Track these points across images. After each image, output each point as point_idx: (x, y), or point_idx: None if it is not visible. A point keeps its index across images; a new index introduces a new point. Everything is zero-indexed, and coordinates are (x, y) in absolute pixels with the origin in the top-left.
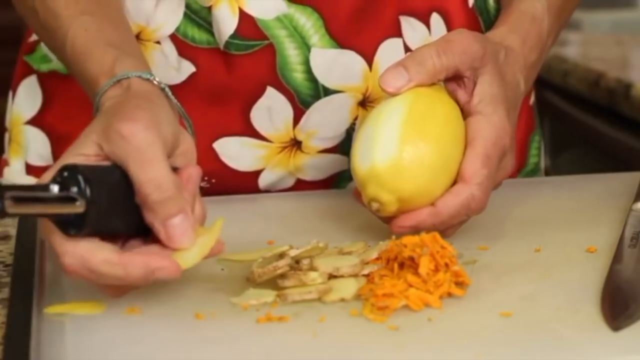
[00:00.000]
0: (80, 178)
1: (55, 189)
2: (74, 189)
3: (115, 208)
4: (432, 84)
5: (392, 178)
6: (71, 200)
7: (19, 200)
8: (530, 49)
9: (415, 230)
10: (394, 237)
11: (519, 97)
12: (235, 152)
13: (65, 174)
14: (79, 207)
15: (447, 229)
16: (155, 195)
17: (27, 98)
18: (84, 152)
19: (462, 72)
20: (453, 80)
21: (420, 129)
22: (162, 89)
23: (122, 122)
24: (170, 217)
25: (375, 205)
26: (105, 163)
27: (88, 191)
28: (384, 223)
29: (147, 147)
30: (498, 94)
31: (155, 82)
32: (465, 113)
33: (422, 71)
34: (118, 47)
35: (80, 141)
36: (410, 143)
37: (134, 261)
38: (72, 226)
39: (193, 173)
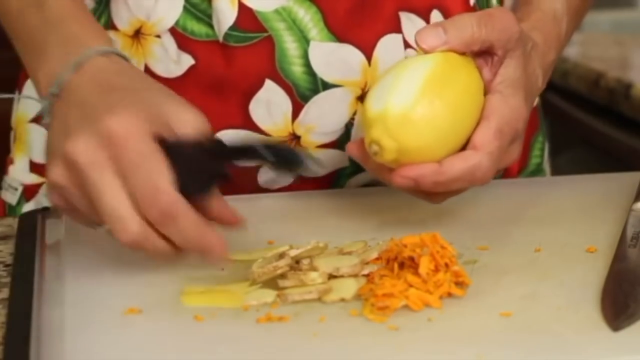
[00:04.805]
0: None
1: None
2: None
3: None
4: (463, 54)
5: (399, 126)
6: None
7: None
8: (549, 48)
9: (415, 184)
10: (393, 237)
11: (536, 91)
12: None
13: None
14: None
15: (440, 194)
16: None
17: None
18: None
19: (495, 49)
20: (482, 56)
21: (441, 88)
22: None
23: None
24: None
25: (374, 148)
26: None
27: None
28: (377, 176)
29: None
30: (520, 80)
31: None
32: (485, 90)
33: (460, 37)
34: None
35: None
36: (427, 98)
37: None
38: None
39: None
